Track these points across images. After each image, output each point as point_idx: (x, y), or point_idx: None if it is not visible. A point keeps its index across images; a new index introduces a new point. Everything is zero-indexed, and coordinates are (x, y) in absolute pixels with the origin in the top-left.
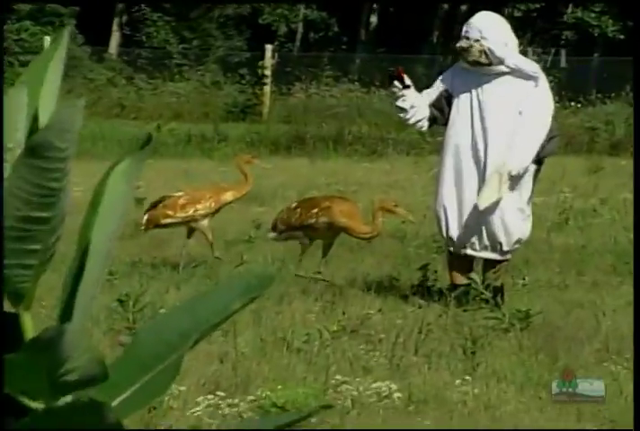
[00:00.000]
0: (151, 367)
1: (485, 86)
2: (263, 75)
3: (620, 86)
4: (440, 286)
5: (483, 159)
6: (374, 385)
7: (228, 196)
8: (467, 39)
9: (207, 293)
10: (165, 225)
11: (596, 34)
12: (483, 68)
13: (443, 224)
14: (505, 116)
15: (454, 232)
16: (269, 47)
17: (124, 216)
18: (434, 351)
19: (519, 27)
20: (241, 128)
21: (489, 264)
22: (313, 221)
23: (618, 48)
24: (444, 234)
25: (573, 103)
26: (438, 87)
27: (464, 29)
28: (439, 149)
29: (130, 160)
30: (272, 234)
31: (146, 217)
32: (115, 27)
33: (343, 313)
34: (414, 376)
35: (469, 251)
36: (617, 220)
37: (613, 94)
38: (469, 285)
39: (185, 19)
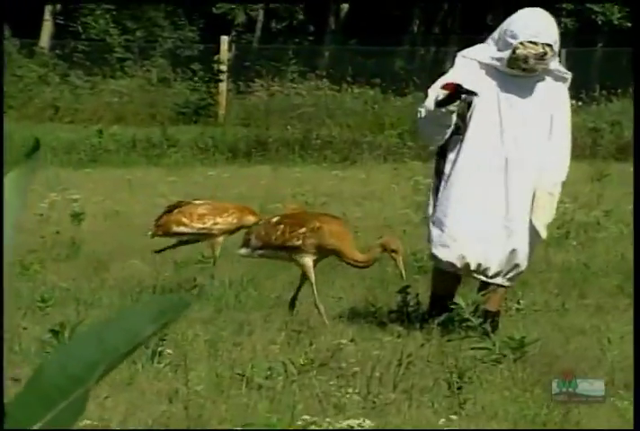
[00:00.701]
0: (54, 403)
1: (518, 90)
2: (219, 71)
3: (627, 81)
4: (422, 312)
5: (516, 173)
6: (345, 424)
7: (251, 218)
8: (534, 44)
9: (115, 318)
10: (175, 235)
11: (599, 22)
12: (531, 73)
13: (458, 246)
14: (540, 122)
15: (472, 257)
16: (225, 38)
17: (15, 230)
18: (415, 386)
19: None
20: (193, 132)
21: (484, 286)
22: (299, 242)
23: (625, 37)
24: (455, 260)
25: (573, 101)
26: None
27: (526, 32)
28: (421, 154)
29: (21, 169)
30: (244, 250)
31: (157, 222)
32: (47, 16)
33: (311, 344)
34: (392, 415)
35: (480, 277)
36: (624, 234)
37: (619, 90)
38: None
39: (127, 6)
